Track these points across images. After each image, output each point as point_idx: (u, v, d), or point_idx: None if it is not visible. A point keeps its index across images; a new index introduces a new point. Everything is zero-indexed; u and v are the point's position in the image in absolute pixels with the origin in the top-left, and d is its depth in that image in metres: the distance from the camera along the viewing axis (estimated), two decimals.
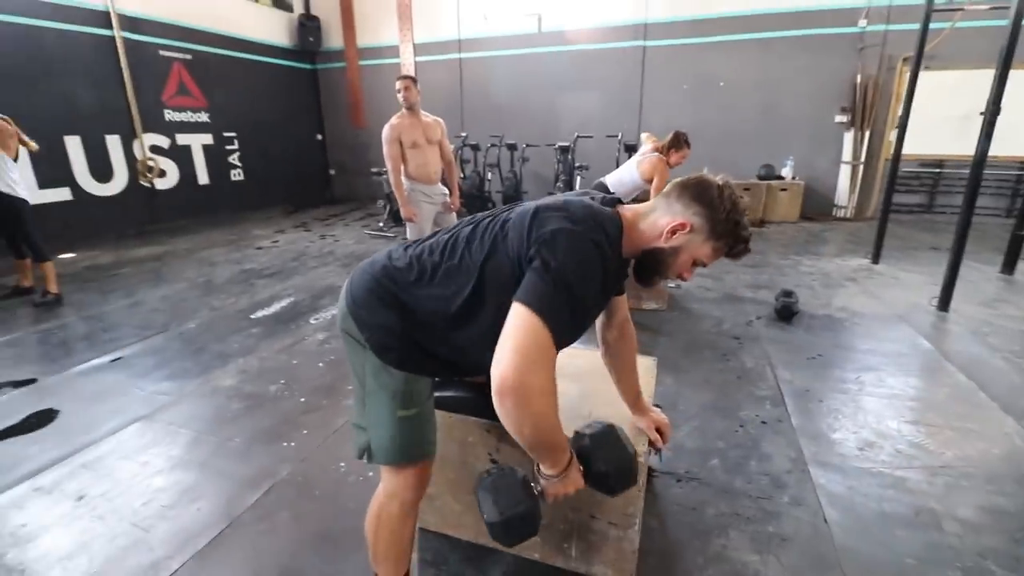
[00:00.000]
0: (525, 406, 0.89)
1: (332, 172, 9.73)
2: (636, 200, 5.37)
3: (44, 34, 5.37)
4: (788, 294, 3.59)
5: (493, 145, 7.36)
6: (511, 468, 1.05)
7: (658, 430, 1.41)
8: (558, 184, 5.93)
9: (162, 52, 6.59)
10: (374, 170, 7.01)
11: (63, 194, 5.77)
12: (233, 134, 7.76)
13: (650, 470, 1.72)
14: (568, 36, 7.61)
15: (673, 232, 1.06)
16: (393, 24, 8.32)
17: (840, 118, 6.82)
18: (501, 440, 1.47)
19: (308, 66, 9.03)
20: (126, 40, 6.03)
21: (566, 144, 6.27)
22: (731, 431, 2.22)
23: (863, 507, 1.76)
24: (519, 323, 0.90)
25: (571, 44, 7.61)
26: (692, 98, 7.25)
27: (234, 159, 7.86)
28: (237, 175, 7.95)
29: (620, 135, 6.29)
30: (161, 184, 6.79)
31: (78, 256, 5.41)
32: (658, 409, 1.47)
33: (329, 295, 4.12)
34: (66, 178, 5.79)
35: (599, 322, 1.41)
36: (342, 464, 2.02)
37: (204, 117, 7.30)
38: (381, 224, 6.79)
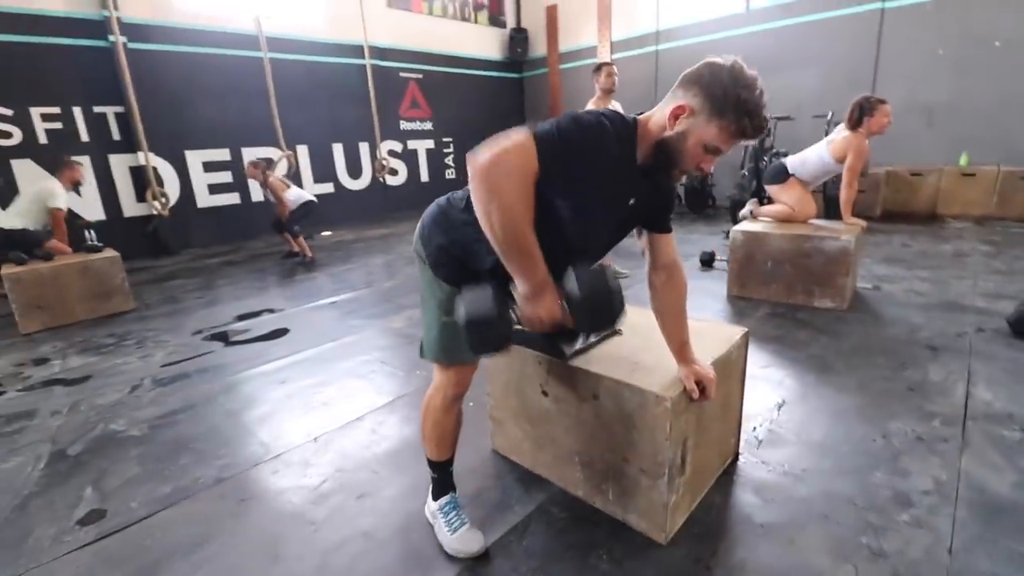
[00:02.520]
0: (493, 190, 0.98)
1: None
2: (826, 185, 4.60)
3: (322, 67, 7.18)
4: None
5: None
6: (491, 285, 1.11)
7: (698, 383, 1.34)
8: (743, 172, 5.40)
9: (402, 74, 8.13)
10: None
11: (328, 188, 7.61)
12: (450, 139, 9.08)
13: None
14: (782, 10, 6.82)
15: (675, 118, 1.08)
16: (593, 26, 8.62)
17: None
18: (549, 373, 1.58)
19: (515, 75, 9.97)
20: (374, 66, 7.63)
21: None
22: (866, 439, 1.87)
23: (1007, 554, 1.34)
24: (511, 134, 1.01)
25: (785, 18, 6.81)
26: (951, 65, 5.78)
27: (449, 160, 9.19)
28: (451, 174, 9.27)
29: (830, 115, 5.39)
30: (393, 181, 8.39)
31: (332, 233, 7.07)
32: (707, 365, 1.40)
33: None
34: (331, 176, 7.63)
35: (647, 265, 1.41)
36: None
37: (428, 126, 8.73)
38: None
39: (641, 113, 1.19)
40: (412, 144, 8.56)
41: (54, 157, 4.04)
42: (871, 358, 2.50)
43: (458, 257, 1.30)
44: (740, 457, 1.79)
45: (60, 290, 3.67)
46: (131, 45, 5.42)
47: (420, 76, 8.40)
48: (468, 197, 1.29)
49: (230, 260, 5.69)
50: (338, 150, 7.62)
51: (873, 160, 5.40)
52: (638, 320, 1.74)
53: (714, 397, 1.36)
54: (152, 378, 2.76)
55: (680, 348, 1.39)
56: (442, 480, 1.53)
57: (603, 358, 1.53)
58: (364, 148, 7.91)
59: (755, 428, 1.96)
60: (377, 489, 1.76)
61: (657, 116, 1.13)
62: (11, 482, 1.92)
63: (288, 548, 1.52)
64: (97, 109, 5.39)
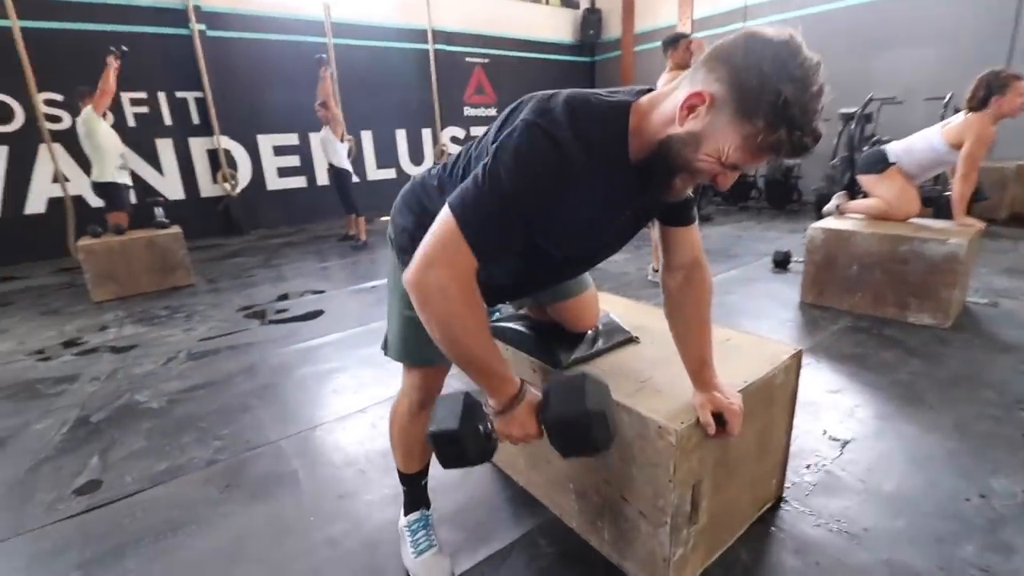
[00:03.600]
0: (424, 305, 0.83)
1: None
2: (937, 180, 3.89)
3: (386, 52, 7.21)
4: None
5: None
6: (471, 393, 0.96)
7: (717, 415, 1.05)
8: (833, 162, 4.72)
9: (467, 59, 8.02)
10: None
11: (391, 174, 7.70)
12: None
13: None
14: None
15: (689, 110, 0.77)
16: (672, 3, 8.02)
17: None
18: (544, 382, 1.35)
19: (587, 59, 9.55)
20: (438, 51, 7.57)
21: (851, 111, 4.89)
22: (957, 496, 1.46)
23: None
24: (436, 225, 0.83)
25: None
26: None
27: None
28: None
29: (948, 96, 4.56)
30: None
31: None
32: (734, 392, 1.10)
33: None
34: (393, 162, 7.71)
35: (661, 265, 1.14)
36: None
37: (493, 112, 8.58)
38: None
39: (648, 90, 0.88)
40: (475, 130, 8.45)
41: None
42: (976, 391, 2.01)
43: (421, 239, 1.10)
44: (783, 504, 1.46)
45: (128, 262, 3.91)
46: (209, 33, 5.71)
47: (486, 61, 8.26)
48: (439, 175, 1.09)
49: (291, 241, 5.88)
50: (401, 136, 7.68)
51: (999, 151, 4.52)
52: (660, 327, 1.46)
53: (738, 434, 1.06)
54: (187, 352, 2.82)
55: (699, 369, 1.11)
56: (412, 494, 1.35)
57: (608, 371, 1.28)
58: (426, 134, 7.91)
59: (807, 468, 1.61)
60: (359, 491, 1.62)
61: (666, 104, 0.81)
62: (34, 444, 1.99)
63: (251, 548, 1.42)
64: (179, 94, 5.75)
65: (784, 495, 1.48)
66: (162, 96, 5.66)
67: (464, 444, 0.90)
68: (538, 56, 8.86)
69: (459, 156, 1.05)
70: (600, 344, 1.38)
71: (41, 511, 1.61)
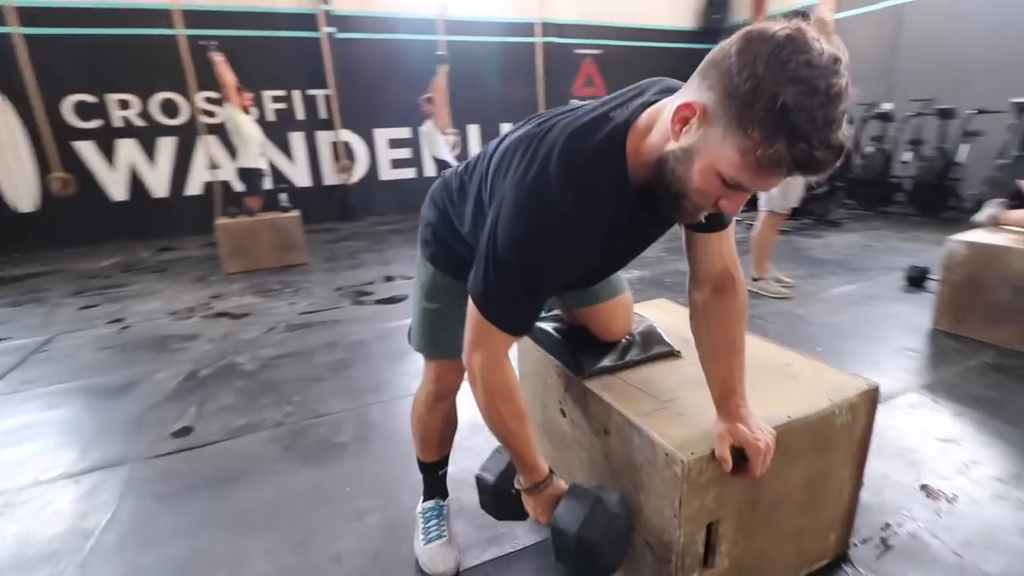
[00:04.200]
0: (472, 386, 0.92)
1: None
2: None
3: (494, 47, 7.33)
4: None
5: (919, 114, 5.46)
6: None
7: (739, 450, 0.91)
8: (1002, 161, 3.87)
9: (577, 50, 7.89)
10: None
11: None
12: None
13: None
14: None
15: (682, 122, 0.68)
16: None
17: None
18: (567, 390, 1.29)
19: (709, 45, 8.81)
20: (548, 44, 7.52)
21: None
22: None
23: None
24: (469, 310, 0.89)
25: None
26: None
27: None
28: None
29: None
30: None
31: None
32: (764, 427, 0.95)
33: (634, 262, 4.17)
34: None
35: (688, 276, 1.01)
36: None
37: None
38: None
39: (652, 102, 0.79)
40: None
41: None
42: None
43: (444, 237, 1.10)
44: (843, 565, 1.24)
45: (255, 241, 4.45)
46: (338, 35, 6.25)
47: (599, 52, 8.05)
48: (461, 173, 1.07)
49: (396, 228, 6.28)
50: (505, 129, 7.76)
51: None
52: None
53: (760, 474, 0.92)
54: (286, 323, 3.14)
55: (724, 396, 0.97)
56: (429, 482, 1.37)
57: (631, 385, 1.18)
58: None
59: (887, 527, 1.35)
60: (396, 471, 1.68)
61: (663, 118, 0.73)
62: (153, 390, 2.35)
63: (289, 508, 1.54)
64: (310, 92, 6.39)
65: (847, 554, 1.26)
66: (296, 94, 6.34)
67: (497, 498, 1.02)
68: (653, 45, 8.43)
69: (479, 157, 1.03)
70: (633, 354, 1.27)
71: (144, 446, 1.90)
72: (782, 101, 0.57)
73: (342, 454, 1.81)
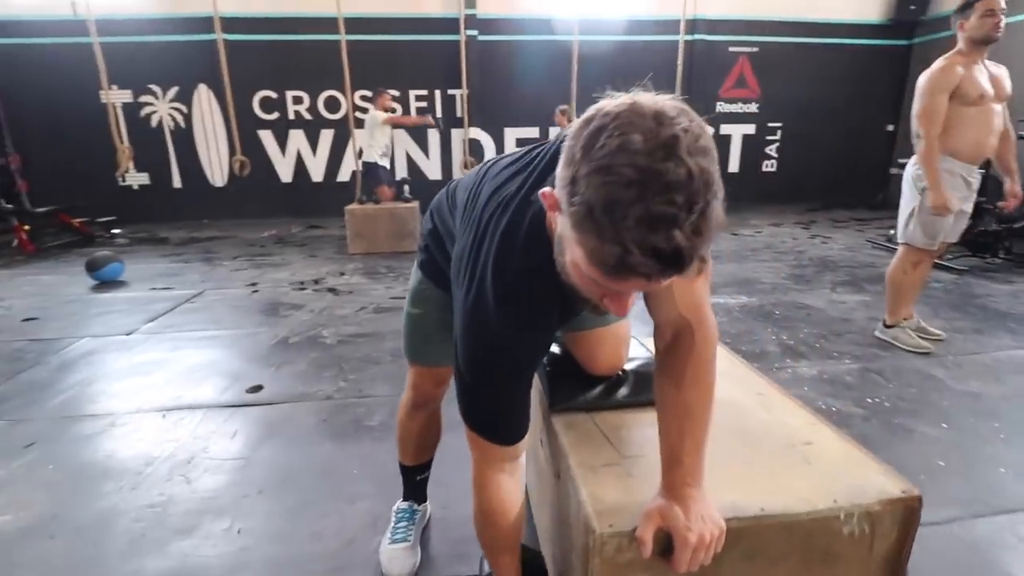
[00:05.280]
0: (474, 511, 0.90)
1: (893, 171, 7.95)
2: None
3: (633, 46, 7.02)
4: None
5: None
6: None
7: (664, 532, 0.75)
8: None
9: (731, 48, 7.21)
10: (900, 161, 5.29)
11: None
12: (778, 124, 7.66)
13: None
14: None
15: (552, 209, 0.60)
16: None
17: None
18: (544, 420, 1.19)
19: (900, 42, 7.49)
20: (696, 42, 6.98)
21: None
22: None
23: None
24: (467, 431, 0.84)
25: None
26: None
27: (771, 150, 7.80)
28: (769, 166, 7.88)
29: None
30: None
31: None
32: (708, 514, 0.76)
33: (729, 288, 3.73)
34: None
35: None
36: None
37: (753, 107, 7.56)
38: (893, 231, 5.17)
39: None
40: (726, 129, 7.62)
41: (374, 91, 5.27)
42: None
43: (432, 249, 1.10)
44: None
45: (375, 226, 4.89)
46: (480, 38, 6.54)
47: (754, 50, 7.28)
48: (456, 186, 1.04)
49: None
50: None
51: None
52: (739, 398, 1.12)
53: (684, 570, 0.74)
54: (376, 306, 3.40)
55: (669, 467, 0.79)
56: (406, 484, 1.38)
57: (600, 429, 1.04)
58: None
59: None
60: None
61: None
62: (252, 347, 2.71)
63: (301, 475, 1.67)
64: (450, 92, 6.79)
65: None
66: (438, 94, 6.80)
67: None
68: (825, 41, 7.36)
69: (476, 171, 0.99)
70: (619, 395, 1.12)
71: (224, 396, 2.20)
72: (585, 195, 0.48)
73: (366, 437, 1.89)
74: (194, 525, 1.46)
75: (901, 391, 2.15)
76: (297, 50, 6.30)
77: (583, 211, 0.49)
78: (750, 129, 7.67)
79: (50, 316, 3.23)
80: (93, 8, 4.96)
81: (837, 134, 7.76)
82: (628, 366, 1.16)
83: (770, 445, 0.97)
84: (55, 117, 6.27)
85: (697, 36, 7.06)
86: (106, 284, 3.92)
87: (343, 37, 5.20)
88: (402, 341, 1.22)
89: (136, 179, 6.64)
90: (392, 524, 1.34)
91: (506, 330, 0.74)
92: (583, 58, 6.12)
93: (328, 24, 5.79)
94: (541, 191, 0.61)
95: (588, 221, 0.49)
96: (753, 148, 7.74)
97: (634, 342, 1.28)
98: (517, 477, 0.89)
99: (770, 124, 7.66)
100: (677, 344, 0.80)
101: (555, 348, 1.26)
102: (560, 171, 0.54)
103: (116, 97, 5.87)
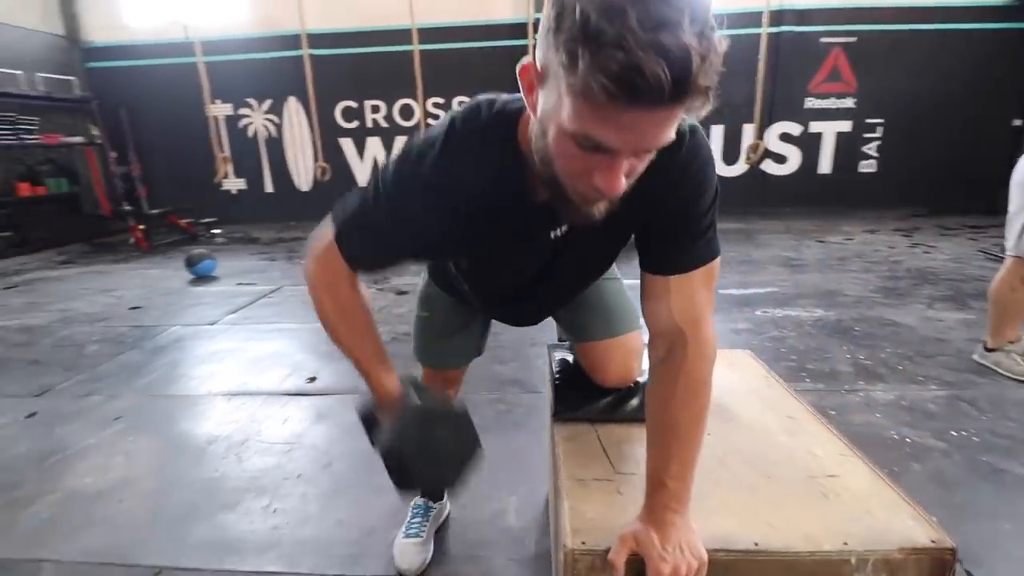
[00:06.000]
0: (313, 303, 0.83)
1: None
2: None
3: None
4: None
5: None
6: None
7: (637, 558, 0.70)
8: None
9: (823, 39, 6.64)
10: None
11: None
12: (878, 120, 6.93)
13: None
14: None
15: (529, 90, 0.58)
16: None
17: None
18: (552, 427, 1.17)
19: None
20: (783, 34, 6.50)
21: None
22: None
23: None
24: (321, 227, 0.82)
25: None
26: None
27: (870, 149, 7.07)
28: (868, 167, 7.15)
29: None
30: (775, 169, 7.18)
31: None
32: (690, 543, 0.70)
33: (805, 300, 3.43)
34: None
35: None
36: None
37: (849, 103, 6.90)
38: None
39: None
40: (817, 126, 7.02)
41: None
42: None
43: None
44: None
45: None
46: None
47: (851, 40, 6.65)
48: None
49: None
50: (717, 132, 7.08)
51: None
52: (772, 425, 1.04)
53: None
54: None
55: (652, 488, 0.75)
56: None
57: (600, 442, 1.00)
58: (748, 130, 7.04)
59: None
60: None
61: None
62: (314, 342, 2.89)
63: (339, 462, 1.76)
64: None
65: None
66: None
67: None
68: (938, 27, 6.57)
69: None
70: (628, 408, 1.07)
71: (283, 384, 2.37)
72: (578, 13, 0.46)
73: None
74: (238, 501, 1.59)
75: (996, 425, 1.86)
76: (375, 61, 6.65)
77: (577, 28, 0.46)
78: (845, 126, 7.01)
79: (151, 306, 3.66)
80: (199, 31, 5.57)
81: (950, 131, 6.89)
82: (640, 379, 1.11)
83: (785, 474, 0.88)
84: (168, 129, 7.09)
85: (784, 28, 6.59)
86: (201, 278, 4.36)
87: (416, 47, 5.43)
88: (414, 345, 1.25)
89: (234, 184, 7.33)
90: (408, 519, 1.38)
91: (434, 166, 0.67)
92: None
93: (402, 35, 6.07)
94: (521, 64, 0.57)
95: (583, 35, 0.45)
96: (849, 147, 7.07)
97: (646, 354, 1.22)
98: (358, 287, 0.83)
99: (869, 121, 6.95)
100: (669, 358, 0.75)
101: (566, 357, 1.23)
102: (541, 37, 0.52)
103: (219, 110, 6.52)
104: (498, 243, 0.77)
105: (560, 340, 1.33)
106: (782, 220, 6.58)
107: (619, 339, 1.07)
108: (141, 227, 5.84)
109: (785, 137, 7.06)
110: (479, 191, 0.68)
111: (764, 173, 7.19)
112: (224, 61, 6.58)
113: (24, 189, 5.95)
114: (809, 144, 7.09)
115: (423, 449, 0.76)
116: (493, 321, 1.18)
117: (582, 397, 1.09)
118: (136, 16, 6.94)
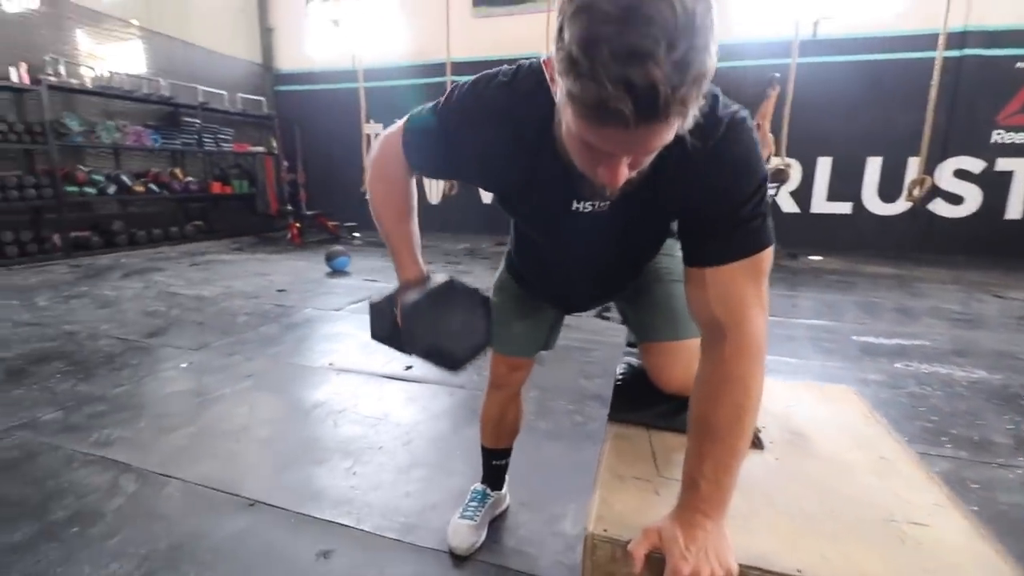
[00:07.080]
0: (369, 188, 0.95)
1: None
2: None
3: (870, 67, 5.97)
4: None
5: None
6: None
7: (658, 553, 0.67)
8: None
9: (1019, 64, 5.64)
10: None
11: (843, 208, 6.51)
12: None
13: None
14: None
15: (552, 82, 0.61)
16: None
17: None
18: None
19: None
20: (963, 58, 5.63)
21: None
22: None
23: None
24: (398, 122, 0.89)
25: None
26: None
27: None
28: None
29: None
30: (946, 211, 6.17)
31: (823, 259, 6.03)
32: (720, 547, 0.66)
33: (963, 358, 2.88)
34: (853, 195, 6.45)
35: None
36: None
37: None
38: None
39: None
40: (1004, 164, 5.94)
41: None
42: None
43: (512, 240, 1.18)
44: None
45: None
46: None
47: None
48: None
49: None
50: (873, 165, 6.31)
51: None
52: (845, 453, 0.94)
53: None
54: None
55: (685, 487, 0.72)
56: (484, 466, 1.45)
57: (652, 446, 0.96)
58: (913, 164, 6.17)
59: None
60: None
61: None
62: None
63: (418, 443, 1.86)
64: None
65: None
66: None
67: (376, 314, 0.99)
68: None
69: None
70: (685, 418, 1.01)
71: (386, 368, 2.58)
72: (568, 33, 0.49)
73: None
74: (326, 459, 1.77)
75: None
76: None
77: (564, 53, 0.49)
78: None
79: (293, 290, 4.22)
80: (364, 60, 6.43)
81: None
82: None
83: (858, 512, 0.78)
84: (328, 144, 8.20)
85: (967, 51, 5.73)
86: (336, 272, 4.93)
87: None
88: None
89: None
90: (466, 501, 1.42)
91: (490, 95, 0.73)
92: (798, 81, 5.49)
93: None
94: (543, 58, 0.62)
95: (568, 62, 0.49)
96: None
97: None
98: (410, 182, 0.92)
99: None
100: (709, 351, 0.71)
101: (632, 361, 1.20)
102: (557, 30, 0.54)
103: (371, 129, 7.38)
104: (531, 187, 0.78)
105: (628, 344, 1.30)
106: (951, 269, 5.60)
107: (684, 343, 1.02)
108: (297, 225, 6.81)
109: (962, 174, 6.09)
110: (528, 122, 0.71)
111: (931, 214, 6.25)
112: (380, 87, 7.48)
113: (216, 187, 7.31)
114: (994, 184, 6.02)
115: (437, 319, 0.81)
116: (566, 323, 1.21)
117: (640, 400, 1.06)
118: (317, 47, 8.24)
